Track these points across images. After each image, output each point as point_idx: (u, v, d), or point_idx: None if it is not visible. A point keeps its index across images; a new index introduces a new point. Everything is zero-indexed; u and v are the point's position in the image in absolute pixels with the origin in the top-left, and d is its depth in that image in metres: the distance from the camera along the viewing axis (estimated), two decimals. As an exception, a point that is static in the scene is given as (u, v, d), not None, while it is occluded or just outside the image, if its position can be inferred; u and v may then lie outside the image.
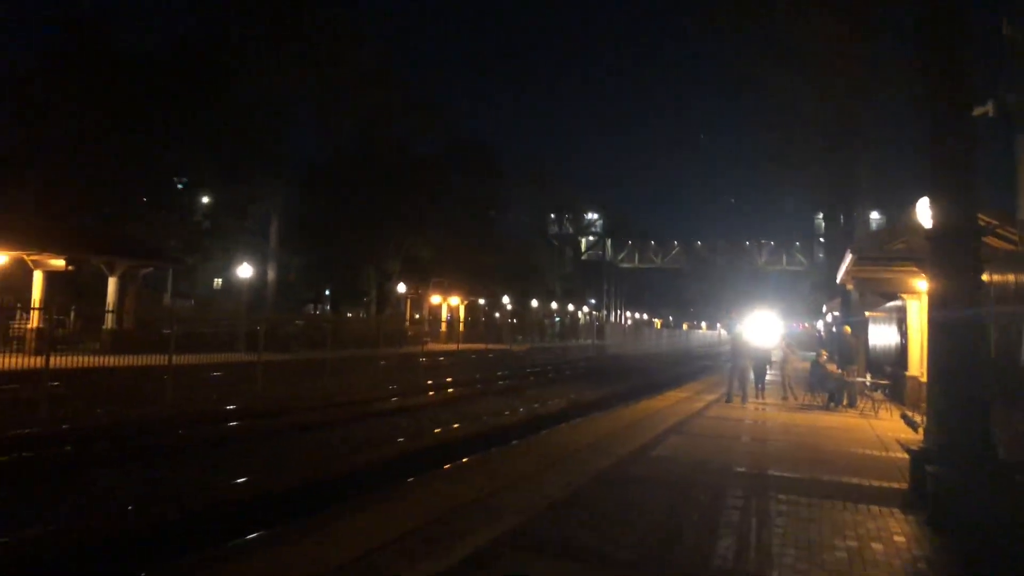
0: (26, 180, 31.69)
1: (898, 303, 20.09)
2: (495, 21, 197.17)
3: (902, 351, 19.80)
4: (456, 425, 17.30)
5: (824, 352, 19.92)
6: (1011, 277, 11.60)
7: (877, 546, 6.46)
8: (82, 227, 32.17)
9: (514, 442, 14.23)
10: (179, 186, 36.88)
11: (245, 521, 8.80)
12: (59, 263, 24.76)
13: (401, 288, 52.40)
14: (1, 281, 26.20)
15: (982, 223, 9.37)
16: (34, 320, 21.90)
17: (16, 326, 22.48)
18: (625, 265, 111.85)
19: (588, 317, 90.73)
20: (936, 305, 8.18)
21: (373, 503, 7.71)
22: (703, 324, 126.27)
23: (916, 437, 12.26)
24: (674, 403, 18.72)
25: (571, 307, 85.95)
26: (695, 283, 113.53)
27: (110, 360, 19.04)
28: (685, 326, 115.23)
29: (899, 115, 31.02)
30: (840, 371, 19.12)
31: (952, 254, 7.88)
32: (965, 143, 7.90)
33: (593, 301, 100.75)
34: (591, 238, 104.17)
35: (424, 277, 54.85)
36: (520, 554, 5.85)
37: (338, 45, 43.33)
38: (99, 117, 32.56)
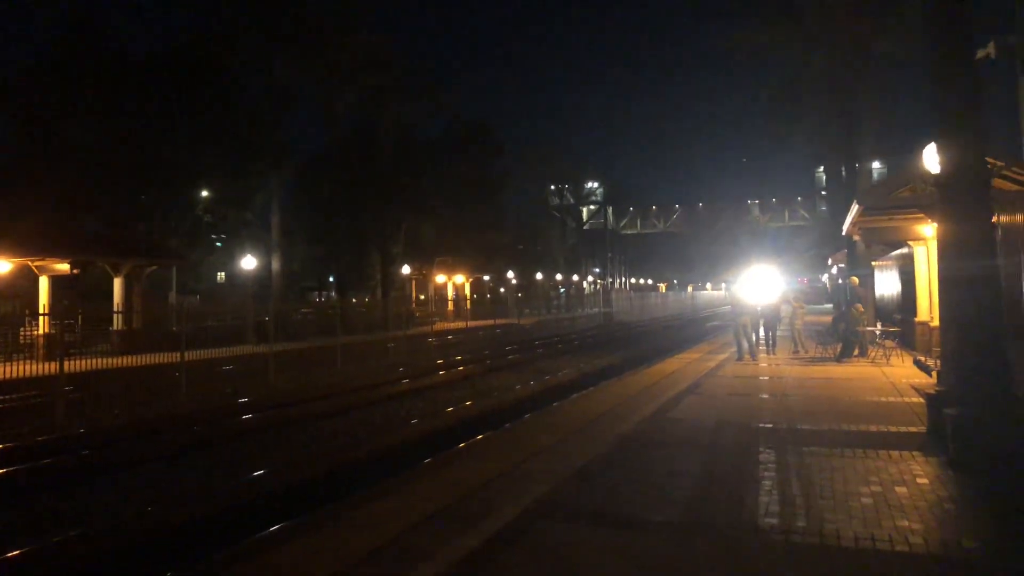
0: (27, 185, 31.65)
1: (904, 251, 20.05)
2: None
3: (910, 298, 19.79)
4: (469, 403, 17.37)
5: (860, 306, 19.73)
6: (1019, 217, 11.57)
7: (901, 489, 6.49)
8: (85, 229, 32.18)
9: (527, 416, 14.26)
10: (179, 181, 36.70)
11: (274, 512, 8.86)
12: (64, 267, 24.81)
13: (406, 270, 52.44)
14: (7, 288, 26.30)
15: (989, 165, 9.32)
16: (43, 326, 21.94)
17: (25, 333, 22.54)
18: (628, 232, 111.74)
19: (594, 286, 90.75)
20: (947, 251, 8.16)
21: (398, 486, 7.74)
22: (708, 285, 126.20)
23: (930, 381, 12.30)
24: (686, 364, 18.75)
25: (576, 277, 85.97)
26: (698, 245, 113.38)
27: (121, 361, 19.09)
28: (690, 288, 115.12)
29: (899, 63, 30.85)
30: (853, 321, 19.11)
31: (962, 199, 7.84)
32: (971, 86, 7.83)
33: (598, 270, 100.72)
34: (592, 207, 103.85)
35: (428, 257, 54.86)
36: (551, 523, 5.89)
37: (334, 29, 43.03)
38: (99, 118, 32.49)
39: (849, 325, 18.77)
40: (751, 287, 20.89)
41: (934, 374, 12.12)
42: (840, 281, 20.83)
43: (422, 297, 56.99)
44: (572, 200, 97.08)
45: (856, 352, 18.36)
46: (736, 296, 21.06)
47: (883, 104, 31.38)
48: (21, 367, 17.73)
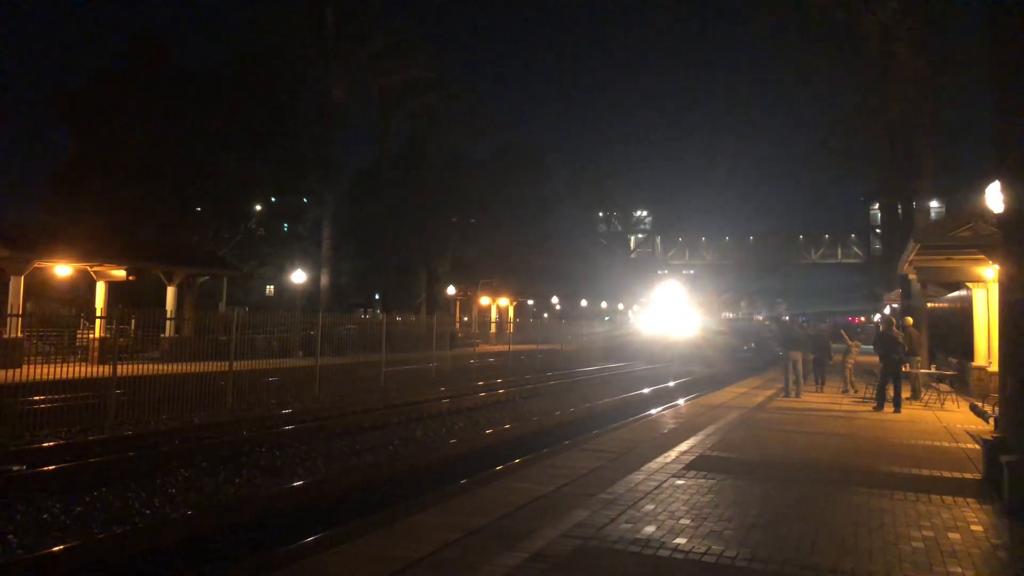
0: (88, 192, 32.64)
1: (962, 292, 19.56)
2: (541, 19, 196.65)
3: (967, 341, 19.26)
4: (508, 425, 17.32)
5: (898, 332, 16.71)
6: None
7: (954, 535, 6.29)
8: (141, 237, 33.02)
9: (566, 441, 14.19)
10: (232, 193, 37.46)
11: (314, 520, 8.91)
12: (120, 273, 25.44)
13: (451, 290, 52.69)
14: (66, 292, 27.04)
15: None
16: (99, 330, 22.46)
17: (81, 335, 23.11)
18: (675, 262, 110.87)
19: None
20: (1008, 294, 7.94)
21: (437, 502, 7.75)
22: (759, 318, 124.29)
23: (987, 428, 11.92)
24: (731, 398, 18.46)
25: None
26: (748, 278, 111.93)
27: (171, 367, 19.44)
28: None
29: (961, 101, 30.29)
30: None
31: (1026, 239, 7.63)
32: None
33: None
34: (640, 235, 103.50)
35: (473, 279, 55.10)
36: (591, 547, 5.81)
37: (389, 51, 43.87)
38: (158, 129, 33.44)
39: (886, 357, 15.91)
40: (799, 322, 20.53)
41: (991, 420, 11.75)
42: (877, 318, 19.43)
43: (465, 319, 57.16)
44: (620, 227, 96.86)
45: (907, 394, 17.35)
46: (785, 331, 20.66)
47: (944, 141, 30.81)
48: (76, 368, 18.19)
